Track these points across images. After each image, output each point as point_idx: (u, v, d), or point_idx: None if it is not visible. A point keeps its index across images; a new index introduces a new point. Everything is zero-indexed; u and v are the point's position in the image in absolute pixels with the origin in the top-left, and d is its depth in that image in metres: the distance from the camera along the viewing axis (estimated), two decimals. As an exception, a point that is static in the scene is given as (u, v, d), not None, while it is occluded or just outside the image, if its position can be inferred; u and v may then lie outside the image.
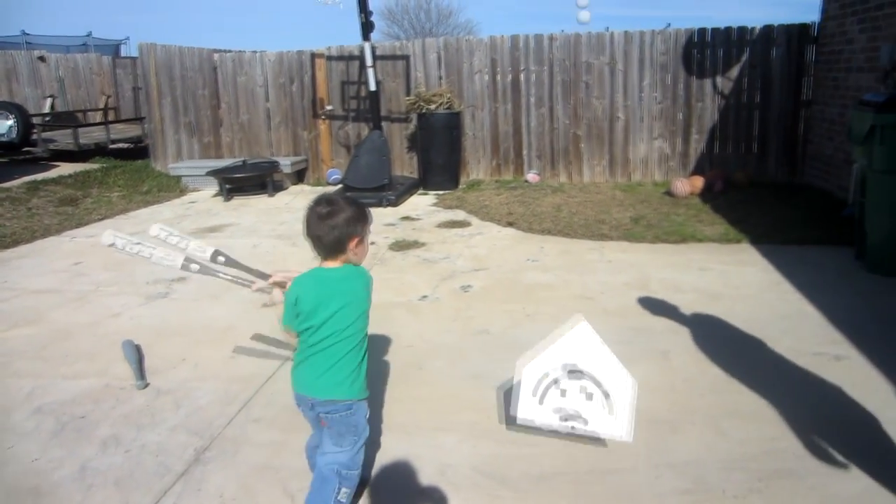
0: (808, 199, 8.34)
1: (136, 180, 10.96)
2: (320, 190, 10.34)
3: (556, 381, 3.13)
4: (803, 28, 9.55)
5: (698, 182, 9.05)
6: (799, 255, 6.06)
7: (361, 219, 2.58)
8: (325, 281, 2.57)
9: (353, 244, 2.55)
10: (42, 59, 16.60)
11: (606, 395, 3.08)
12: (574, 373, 3.10)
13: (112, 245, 3.25)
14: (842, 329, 4.38)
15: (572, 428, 3.13)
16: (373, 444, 3.23)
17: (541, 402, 3.14)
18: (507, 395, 3.44)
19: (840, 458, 3.01)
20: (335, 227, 2.51)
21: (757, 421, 3.34)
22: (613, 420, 3.07)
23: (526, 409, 3.16)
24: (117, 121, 15.47)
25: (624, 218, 7.72)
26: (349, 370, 2.57)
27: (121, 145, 13.82)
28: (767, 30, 9.69)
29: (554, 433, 3.19)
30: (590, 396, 3.09)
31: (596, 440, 3.16)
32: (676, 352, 4.16)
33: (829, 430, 3.23)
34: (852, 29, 8.09)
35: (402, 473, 3.03)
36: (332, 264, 2.59)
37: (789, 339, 4.29)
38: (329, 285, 2.56)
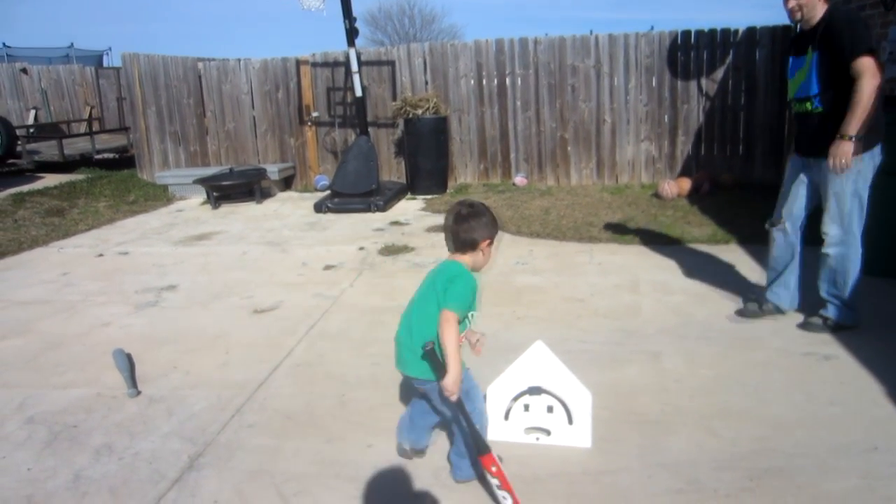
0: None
1: (122, 190, 10.93)
2: (308, 196, 10.34)
3: (518, 398, 3.24)
4: (786, 29, 9.52)
5: (685, 184, 9.10)
6: (786, 255, 6.07)
7: (492, 225, 2.91)
8: None
9: (484, 244, 2.89)
10: (24, 71, 16.54)
11: (566, 408, 3.19)
12: (534, 388, 3.21)
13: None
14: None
15: (537, 439, 3.25)
16: (367, 448, 3.24)
17: (506, 418, 3.26)
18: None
19: (829, 456, 3.04)
20: (471, 229, 2.87)
21: (747, 421, 3.37)
22: (573, 430, 3.20)
23: (494, 428, 3.26)
24: (102, 131, 15.44)
25: (612, 220, 7.75)
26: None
27: (106, 155, 13.79)
28: (751, 31, 9.73)
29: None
30: (550, 409, 3.22)
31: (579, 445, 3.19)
32: (667, 353, 4.19)
33: (819, 429, 3.26)
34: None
35: (395, 477, 3.03)
36: (461, 257, 2.92)
37: (779, 340, 4.32)
38: None
